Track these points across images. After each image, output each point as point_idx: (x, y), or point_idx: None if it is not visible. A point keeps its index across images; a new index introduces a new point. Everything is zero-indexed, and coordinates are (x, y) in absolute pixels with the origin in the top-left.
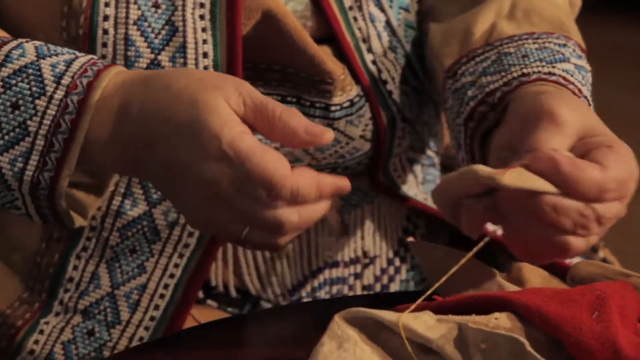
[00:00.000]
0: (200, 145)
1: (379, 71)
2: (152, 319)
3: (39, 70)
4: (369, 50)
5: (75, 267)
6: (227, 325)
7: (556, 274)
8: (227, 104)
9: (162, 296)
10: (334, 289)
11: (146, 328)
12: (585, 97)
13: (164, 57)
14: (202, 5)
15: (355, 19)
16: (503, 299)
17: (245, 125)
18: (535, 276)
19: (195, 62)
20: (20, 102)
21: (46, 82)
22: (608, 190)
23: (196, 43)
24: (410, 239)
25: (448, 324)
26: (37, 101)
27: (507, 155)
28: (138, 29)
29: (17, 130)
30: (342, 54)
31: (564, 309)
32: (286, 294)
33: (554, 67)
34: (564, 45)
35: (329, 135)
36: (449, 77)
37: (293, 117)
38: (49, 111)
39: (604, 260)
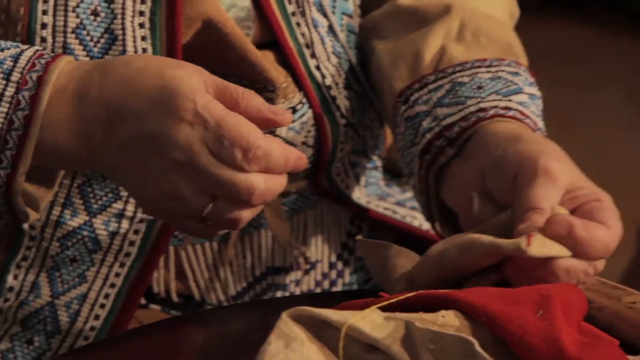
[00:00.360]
0: (174, 109)
1: (323, 77)
2: (92, 329)
3: None
4: (313, 55)
5: (15, 277)
6: (171, 325)
7: None
8: (191, 80)
9: (102, 306)
10: (277, 295)
11: (86, 338)
12: (540, 129)
13: None
14: (141, 14)
15: (298, 24)
16: (449, 298)
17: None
18: None
19: None
20: None
21: None
22: (610, 251)
23: (136, 51)
24: (358, 237)
25: (395, 322)
26: None
27: (477, 197)
28: (77, 37)
29: None
30: (285, 60)
31: (509, 308)
32: (230, 300)
33: (510, 100)
34: (517, 73)
35: (288, 115)
36: (402, 102)
37: (255, 97)
38: (0, 109)
39: None
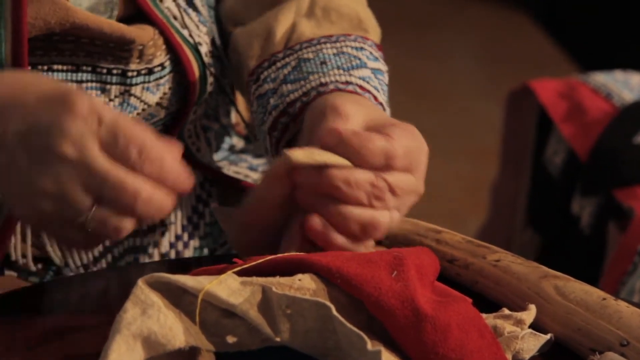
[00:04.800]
0: (68, 102)
1: (198, 44)
2: None
3: None
4: (183, 26)
5: None
6: (27, 293)
7: None
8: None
9: None
10: (132, 258)
11: None
12: (381, 103)
13: None
14: None
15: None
16: (304, 262)
17: None
18: None
19: None
20: None
21: None
22: (395, 157)
23: None
24: (213, 204)
25: (252, 286)
26: None
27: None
28: None
29: None
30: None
31: (364, 270)
32: (89, 264)
33: (350, 75)
34: (361, 48)
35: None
36: (253, 81)
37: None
38: None
39: None
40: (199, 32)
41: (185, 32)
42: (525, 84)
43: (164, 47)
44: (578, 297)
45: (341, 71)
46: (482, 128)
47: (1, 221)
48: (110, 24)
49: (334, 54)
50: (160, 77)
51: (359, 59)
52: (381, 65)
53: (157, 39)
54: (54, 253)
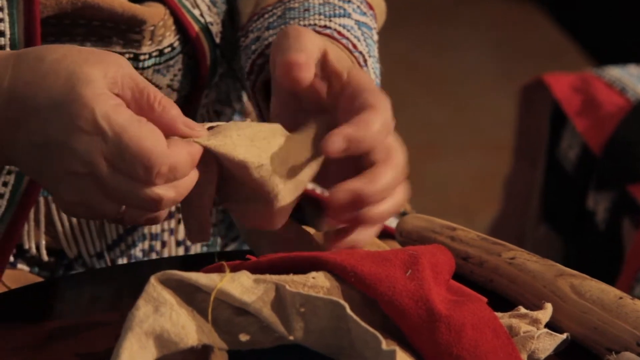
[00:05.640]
0: (73, 117)
1: (209, 24)
2: None
3: None
4: (194, 5)
5: None
6: (40, 289)
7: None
8: (105, 78)
9: None
10: (147, 245)
11: None
12: (361, 52)
13: None
14: None
15: None
16: (319, 259)
17: (120, 99)
18: None
19: None
20: None
21: None
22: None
23: None
24: None
25: (266, 284)
26: None
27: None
28: None
29: None
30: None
31: (379, 268)
32: (104, 251)
33: (330, 20)
34: (349, 1)
35: (203, 132)
36: (242, 35)
37: (172, 106)
38: None
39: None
40: (210, 12)
41: (196, 12)
42: (539, 78)
43: (173, 27)
44: (594, 295)
45: (322, 17)
46: (496, 122)
47: (14, 208)
48: (121, 3)
49: (319, 4)
50: (170, 58)
51: (344, 9)
52: (369, 21)
53: (167, 19)
54: (66, 243)
